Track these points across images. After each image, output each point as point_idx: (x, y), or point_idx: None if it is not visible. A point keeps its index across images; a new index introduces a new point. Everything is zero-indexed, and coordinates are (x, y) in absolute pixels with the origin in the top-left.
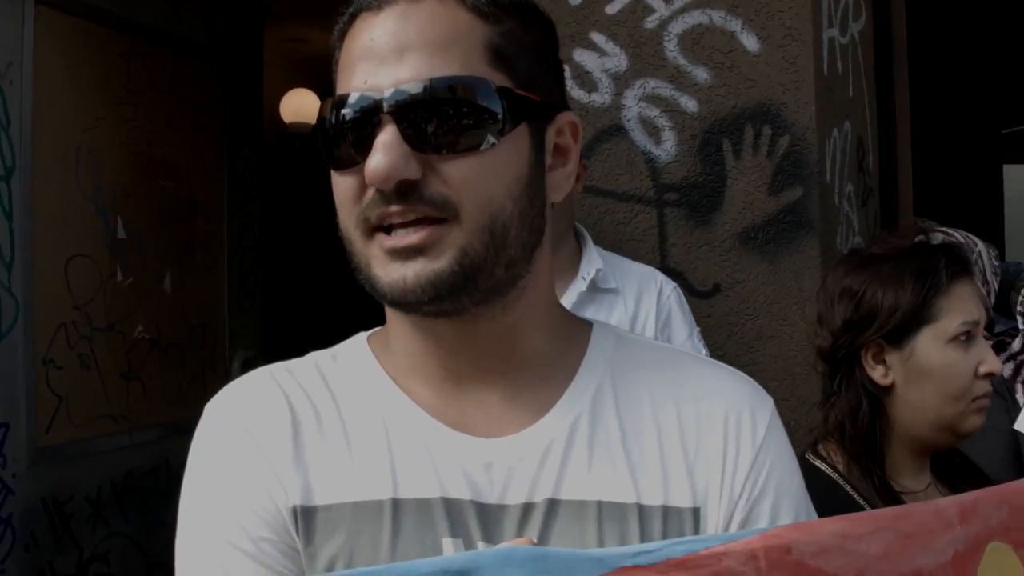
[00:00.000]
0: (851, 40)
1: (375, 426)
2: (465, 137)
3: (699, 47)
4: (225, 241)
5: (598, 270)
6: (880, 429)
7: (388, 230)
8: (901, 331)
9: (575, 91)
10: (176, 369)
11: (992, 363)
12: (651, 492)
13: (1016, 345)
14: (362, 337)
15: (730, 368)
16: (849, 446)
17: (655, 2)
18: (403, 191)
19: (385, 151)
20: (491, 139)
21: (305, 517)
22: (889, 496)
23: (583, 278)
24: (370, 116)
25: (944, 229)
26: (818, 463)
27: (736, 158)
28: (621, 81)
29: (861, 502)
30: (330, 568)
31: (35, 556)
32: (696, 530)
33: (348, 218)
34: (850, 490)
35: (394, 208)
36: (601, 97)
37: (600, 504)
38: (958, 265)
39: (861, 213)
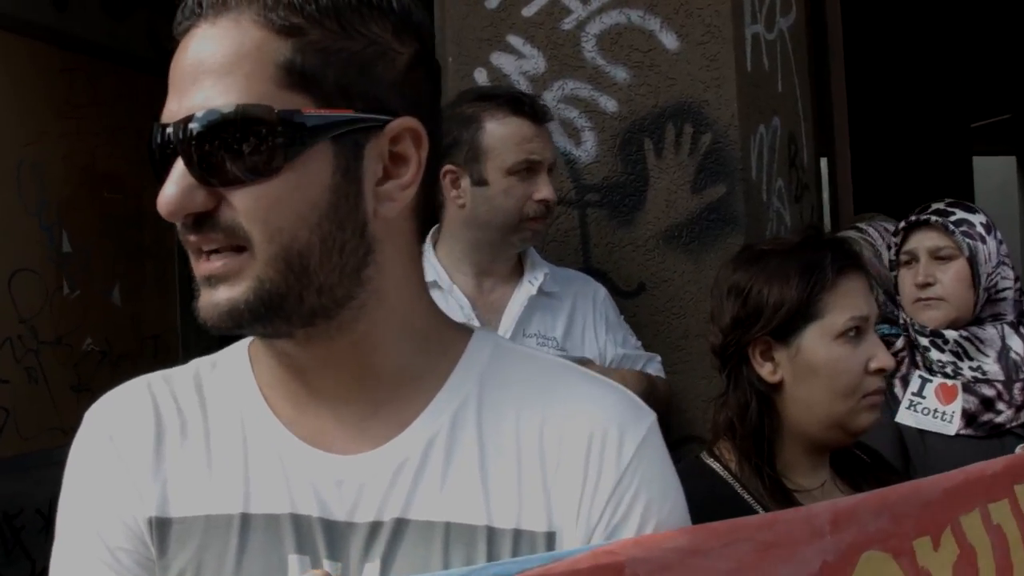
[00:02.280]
0: (779, 35)
1: (235, 439)
2: (246, 167)
3: (617, 47)
4: (175, 251)
5: (545, 274)
6: (771, 427)
7: (208, 255)
8: (787, 328)
9: None
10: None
11: (883, 359)
12: (503, 515)
13: (899, 344)
14: (245, 343)
15: (611, 384)
16: (740, 444)
17: (572, 3)
18: (198, 221)
19: (172, 184)
20: (274, 168)
21: (160, 528)
22: (780, 494)
23: (530, 283)
24: (167, 146)
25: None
26: (711, 462)
27: (658, 157)
28: (539, 83)
29: (750, 500)
30: None
31: None
32: None
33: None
34: (739, 488)
35: (193, 237)
36: None
37: (448, 525)
38: (845, 260)
39: (795, 208)
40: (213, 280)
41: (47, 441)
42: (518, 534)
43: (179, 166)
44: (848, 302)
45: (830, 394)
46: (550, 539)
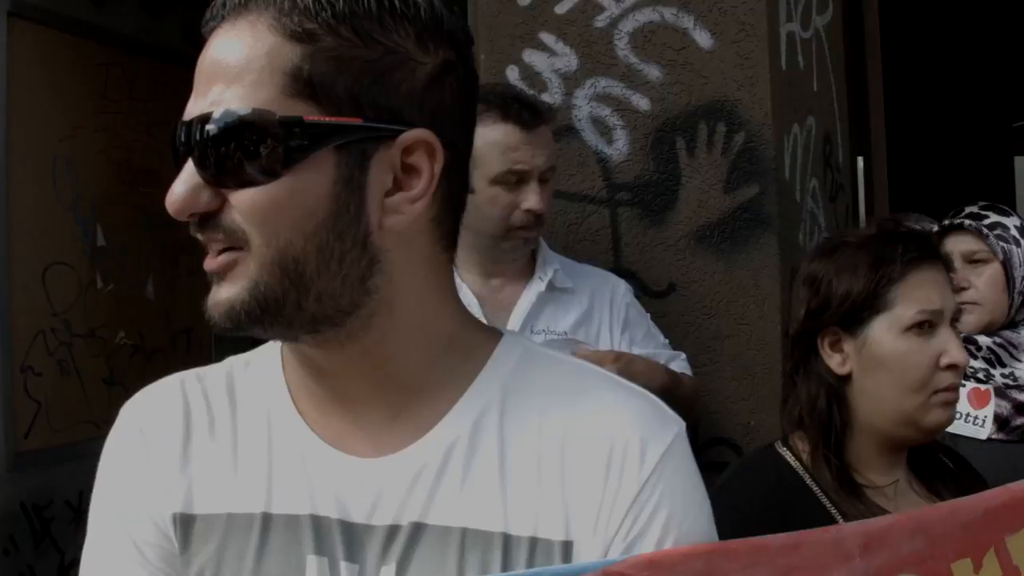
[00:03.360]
0: (815, 34)
1: (261, 438)
2: (247, 171)
3: (650, 45)
4: None
5: (556, 270)
6: (841, 419)
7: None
8: (855, 319)
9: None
10: (160, 374)
11: (955, 355)
12: (520, 522)
13: None
14: (278, 344)
15: (639, 391)
16: (810, 435)
17: (605, 1)
18: (203, 220)
19: (181, 183)
20: (272, 173)
21: (184, 524)
22: (848, 487)
23: (540, 279)
24: (181, 147)
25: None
26: (783, 451)
27: (690, 156)
28: (571, 81)
29: (818, 492)
30: None
31: (15, 560)
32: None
33: None
34: (808, 480)
35: (199, 235)
36: (551, 97)
37: (465, 531)
38: (918, 252)
39: (829, 208)
40: (216, 277)
41: (78, 434)
42: (534, 542)
43: (190, 165)
44: (918, 294)
45: (898, 388)
46: (566, 548)
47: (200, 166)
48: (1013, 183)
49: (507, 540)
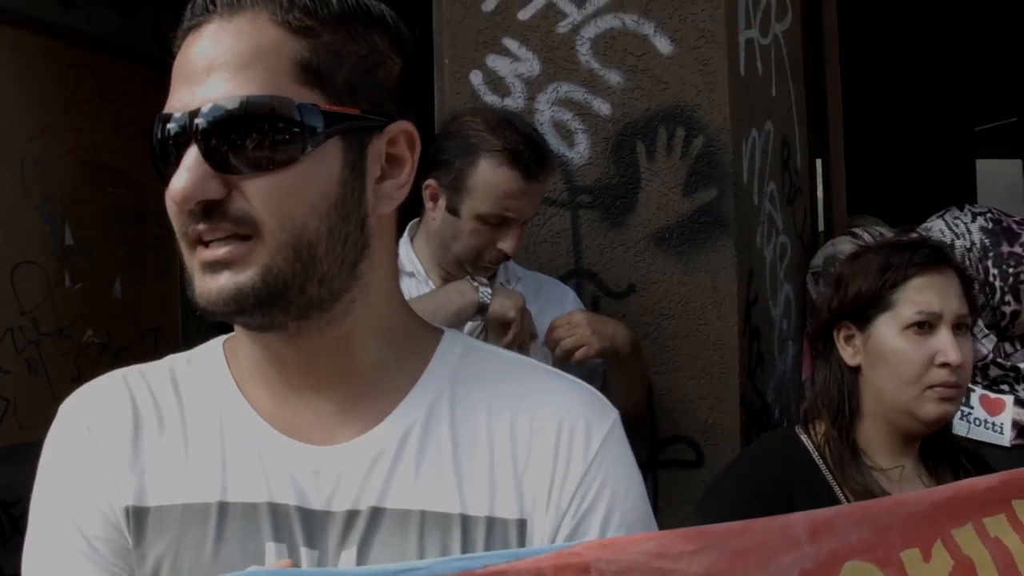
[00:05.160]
0: (774, 40)
1: (212, 431)
2: (264, 156)
3: (612, 51)
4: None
5: (518, 279)
6: (850, 405)
7: (208, 243)
8: (863, 315)
9: (488, 96)
10: None
11: (949, 354)
12: (476, 503)
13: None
14: (219, 341)
15: (576, 381)
16: (823, 417)
17: (567, 7)
18: (208, 209)
19: (185, 172)
20: (291, 158)
21: (137, 517)
22: (855, 469)
23: (502, 284)
24: (179, 136)
25: (881, 227)
26: (800, 433)
27: (650, 160)
28: (534, 85)
29: (824, 470)
30: (156, 569)
31: None
32: (521, 542)
33: (176, 232)
34: (816, 457)
35: (202, 226)
36: (514, 102)
37: (424, 513)
38: (924, 260)
39: (787, 211)
40: (217, 266)
41: (46, 431)
42: (491, 522)
43: (192, 155)
44: (918, 297)
45: (895, 381)
46: (521, 526)
47: (209, 154)
48: (975, 186)
49: (465, 521)
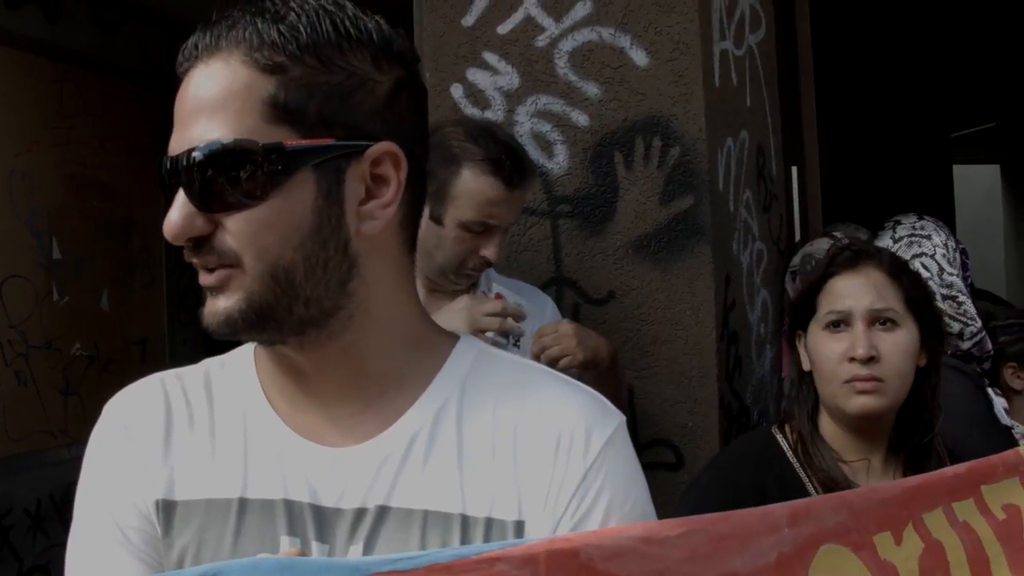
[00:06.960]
0: (748, 51)
1: (237, 431)
2: (234, 196)
3: (589, 63)
4: (163, 259)
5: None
6: (813, 404)
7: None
8: (801, 322)
9: (469, 109)
10: (115, 385)
11: (856, 349)
12: (477, 504)
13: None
14: (251, 346)
15: (583, 387)
16: (795, 416)
17: (546, 21)
18: (197, 244)
19: (175, 211)
20: (260, 195)
21: (165, 510)
22: (820, 456)
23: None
24: (170, 177)
25: (857, 230)
26: (775, 431)
27: (627, 169)
28: (513, 98)
29: (793, 461)
30: (181, 559)
31: None
32: None
33: None
34: (787, 448)
35: (195, 259)
36: (494, 114)
37: (426, 513)
38: (843, 262)
39: (763, 218)
40: (214, 291)
41: (36, 443)
42: (490, 522)
43: (179, 198)
44: (830, 299)
45: (822, 379)
46: (519, 528)
47: (190, 195)
48: (952, 191)
49: (465, 521)
